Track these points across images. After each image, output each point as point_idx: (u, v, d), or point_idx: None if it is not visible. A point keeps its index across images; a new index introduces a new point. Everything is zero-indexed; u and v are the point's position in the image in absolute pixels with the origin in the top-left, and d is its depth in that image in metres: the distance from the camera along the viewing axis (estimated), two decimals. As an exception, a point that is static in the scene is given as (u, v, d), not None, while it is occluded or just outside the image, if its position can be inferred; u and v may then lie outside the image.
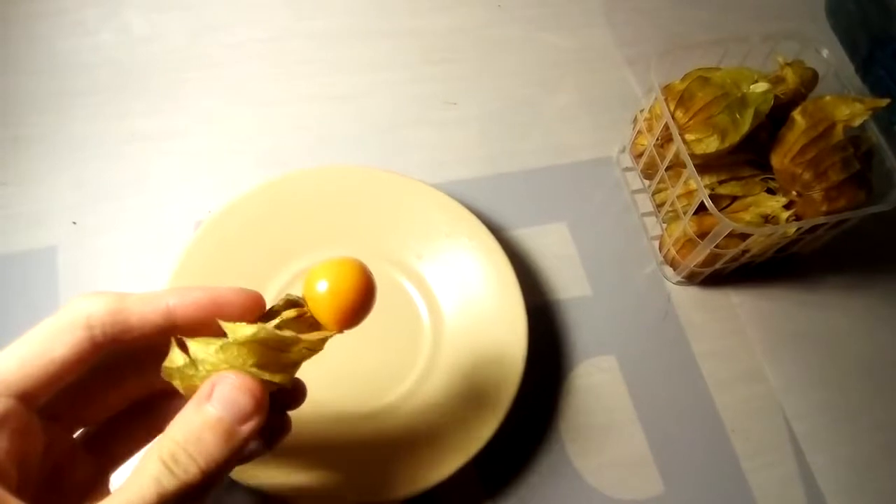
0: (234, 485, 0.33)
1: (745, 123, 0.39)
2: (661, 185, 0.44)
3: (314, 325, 0.26)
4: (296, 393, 0.28)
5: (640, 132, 0.45)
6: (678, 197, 0.41)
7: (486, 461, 0.36)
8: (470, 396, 0.37)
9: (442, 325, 0.40)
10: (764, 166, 0.41)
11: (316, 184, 0.41)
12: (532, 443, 0.39)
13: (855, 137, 0.40)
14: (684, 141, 0.39)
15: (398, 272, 0.41)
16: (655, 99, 0.41)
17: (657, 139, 0.42)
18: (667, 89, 0.41)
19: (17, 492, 0.20)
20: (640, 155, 0.45)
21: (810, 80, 0.42)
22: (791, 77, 0.42)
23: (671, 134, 0.39)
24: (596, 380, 0.41)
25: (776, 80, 0.41)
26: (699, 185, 0.37)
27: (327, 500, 0.34)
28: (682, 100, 0.40)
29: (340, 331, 0.26)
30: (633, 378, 0.41)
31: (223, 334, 0.24)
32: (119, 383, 0.25)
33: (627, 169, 0.48)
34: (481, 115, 0.49)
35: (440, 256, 0.41)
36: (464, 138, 0.48)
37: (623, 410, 0.40)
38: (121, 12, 0.49)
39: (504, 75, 0.51)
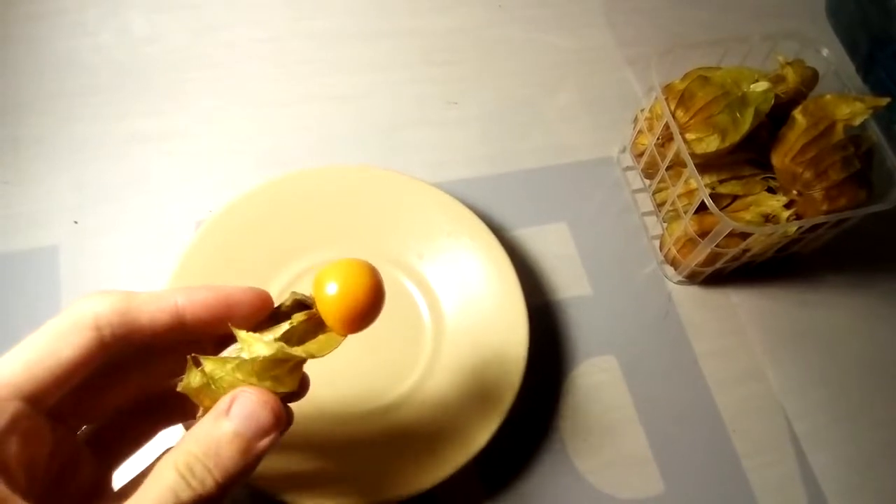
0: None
1: (746, 123, 0.39)
2: (662, 185, 0.44)
3: (321, 324, 0.26)
4: (300, 387, 0.28)
5: (640, 132, 0.45)
6: (679, 196, 0.41)
7: (487, 461, 0.36)
8: (471, 396, 0.37)
9: (443, 324, 0.40)
10: (764, 165, 0.41)
11: (316, 183, 0.41)
12: (533, 442, 0.39)
13: (855, 136, 0.40)
14: (685, 140, 0.39)
15: (399, 272, 0.41)
16: (656, 98, 0.41)
17: (658, 139, 0.42)
18: (667, 89, 0.41)
19: (25, 495, 0.20)
20: (641, 154, 0.45)
21: (811, 80, 0.42)
22: (791, 76, 0.42)
23: (672, 133, 0.39)
24: (596, 379, 0.41)
25: (776, 80, 0.41)
26: (700, 185, 0.37)
27: (327, 500, 0.34)
28: (683, 99, 0.40)
29: (346, 335, 0.26)
30: (634, 378, 0.41)
31: (231, 333, 0.24)
32: (124, 381, 0.25)
33: (628, 168, 0.48)
34: (482, 114, 0.49)
35: (441, 256, 0.41)
36: (464, 138, 0.48)
37: (623, 410, 0.40)
38: (121, 13, 0.50)
39: (504, 75, 0.51)
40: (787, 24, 0.56)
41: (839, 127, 0.39)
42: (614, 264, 0.45)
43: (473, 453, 0.35)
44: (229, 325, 0.25)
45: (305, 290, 0.27)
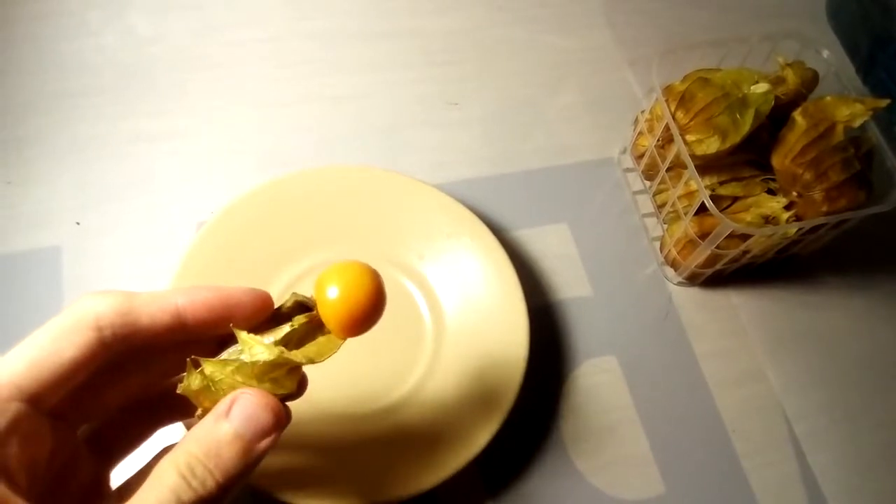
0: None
1: (746, 124, 0.39)
2: (662, 186, 0.44)
3: (321, 325, 0.26)
4: (298, 387, 0.28)
5: (640, 133, 0.45)
6: (679, 198, 0.41)
7: (488, 461, 0.36)
8: (471, 397, 0.37)
9: (443, 325, 0.40)
10: (764, 167, 0.41)
11: (317, 184, 0.42)
12: (533, 443, 0.39)
13: (855, 138, 0.40)
14: (685, 142, 0.39)
15: (400, 273, 0.41)
16: (656, 100, 0.41)
17: (658, 140, 0.42)
18: (667, 90, 0.41)
19: (26, 496, 0.20)
20: (641, 156, 0.45)
21: (811, 81, 0.42)
22: (791, 78, 0.42)
23: (672, 135, 0.39)
24: (597, 380, 0.41)
25: (777, 81, 0.41)
26: (700, 186, 0.37)
27: (328, 500, 0.34)
28: (683, 100, 0.40)
29: (346, 339, 0.26)
30: (634, 378, 0.41)
31: (230, 332, 0.24)
32: (124, 380, 0.25)
33: (628, 170, 0.48)
34: (483, 115, 0.49)
35: (442, 257, 0.41)
36: (465, 139, 0.48)
37: (624, 411, 0.40)
38: (124, 14, 0.50)
39: (505, 76, 0.51)
40: (787, 24, 0.56)
41: (839, 128, 0.39)
42: (615, 265, 0.45)
43: (474, 454, 0.35)
44: (231, 326, 0.25)
45: (306, 291, 0.27)
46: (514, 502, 0.37)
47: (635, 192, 0.47)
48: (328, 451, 0.35)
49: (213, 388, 0.24)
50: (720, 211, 0.37)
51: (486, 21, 0.53)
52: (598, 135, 0.49)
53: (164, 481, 0.21)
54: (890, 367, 0.44)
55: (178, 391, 0.24)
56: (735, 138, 0.38)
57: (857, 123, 0.39)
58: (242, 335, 0.24)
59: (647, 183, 0.47)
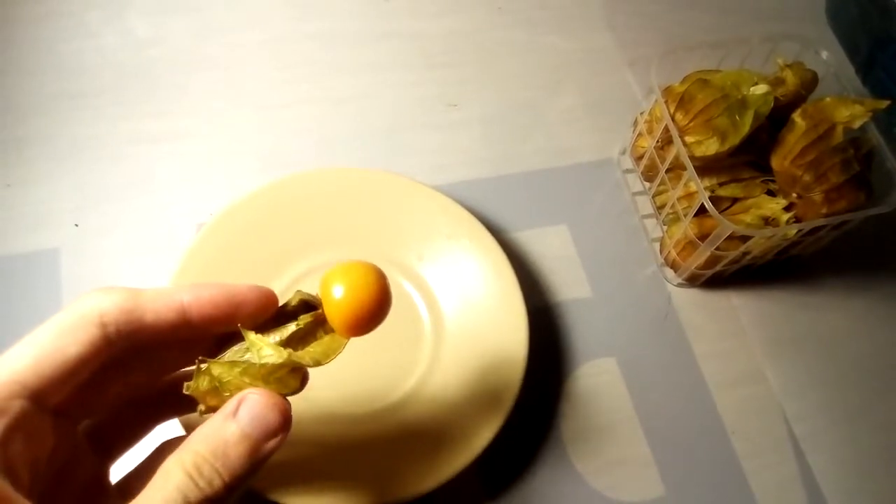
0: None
1: (745, 125, 0.39)
2: (662, 187, 0.44)
3: (325, 324, 0.26)
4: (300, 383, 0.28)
5: (640, 134, 0.45)
6: (678, 199, 0.41)
7: (487, 463, 0.36)
8: (471, 398, 0.37)
9: (443, 326, 0.40)
10: (764, 168, 0.41)
11: (317, 186, 0.42)
12: (533, 445, 0.39)
13: (855, 139, 0.40)
14: (684, 143, 0.39)
15: (399, 274, 0.41)
16: (655, 101, 0.41)
17: (657, 141, 0.42)
18: (667, 91, 0.41)
19: (29, 494, 0.20)
20: (641, 157, 0.45)
21: (810, 82, 0.42)
22: (791, 79, 0.42)
23: (671, 136, 0.39)
24: (596, 381, 0.41)
25: (776, 82, 0.41)
26: (699, 188, 0.37)
27: (326, 503, 0.34)
28: (682, 102, 0.40)
29: (350, 338, 0.26)
30: (634, 380, 0.41)
31: (230, 331, 0.25)
32: (125, 376, 0.25)
33: (628, 171, 0.48)
34: (482, 117, 0.49)
35: (441, 258, 0.41)
36: (465, 140, 0.48)
37: (623, 412, 0.40)
38: (124, 15, 0.50)
39: (505, 78, 0.51)
40: (786, 26, 0.56)
41: (839, 129, 0.39)
42: (614, 266, 0.45)
43: (474, 456, 0.35)
44: (239, 326, 0.25)
45: (307, 291, 0.27)
46: (514, 504, 0.37)
47: (635, 194, 0.47)
48: (327, 453, 0.35)
49: (219, 388, 0.24)
50: (720, 212, 0.37)
51: (487, 23, 0.53)
52: (598, 136, 0.49)
53: (171, 480, 0.21)
54: (890, 368, 0.44)
55: (185, 391, 0.24)
56: (734, 140, 0.38)
57: (856, 125, 0.39)
58: (251, 336, 0.24)
59: (647, 184, 0.47)
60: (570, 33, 0.53)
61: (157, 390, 0.27)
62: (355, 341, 0.26)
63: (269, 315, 0.26)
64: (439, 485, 0.34)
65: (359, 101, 0.48)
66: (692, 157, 0.38)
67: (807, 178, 0.39)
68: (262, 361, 0.24)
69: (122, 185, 0.44)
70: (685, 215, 0.40)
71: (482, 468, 0.37)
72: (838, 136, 0.39)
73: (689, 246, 0.42)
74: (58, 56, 0.47)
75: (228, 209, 0.40)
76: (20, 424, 0.21)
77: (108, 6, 0.50)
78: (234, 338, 0.25)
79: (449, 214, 0.41)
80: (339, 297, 0.25)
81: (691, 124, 0.39)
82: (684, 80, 0.41)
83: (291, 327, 0.25)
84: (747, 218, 0.40)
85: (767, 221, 0.40)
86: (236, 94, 0.48)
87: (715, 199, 0.39)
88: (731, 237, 0.38)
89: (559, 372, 0.41)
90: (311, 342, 0.26)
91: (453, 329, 0.39)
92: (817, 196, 0.39)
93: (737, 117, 0.39)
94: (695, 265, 0.42)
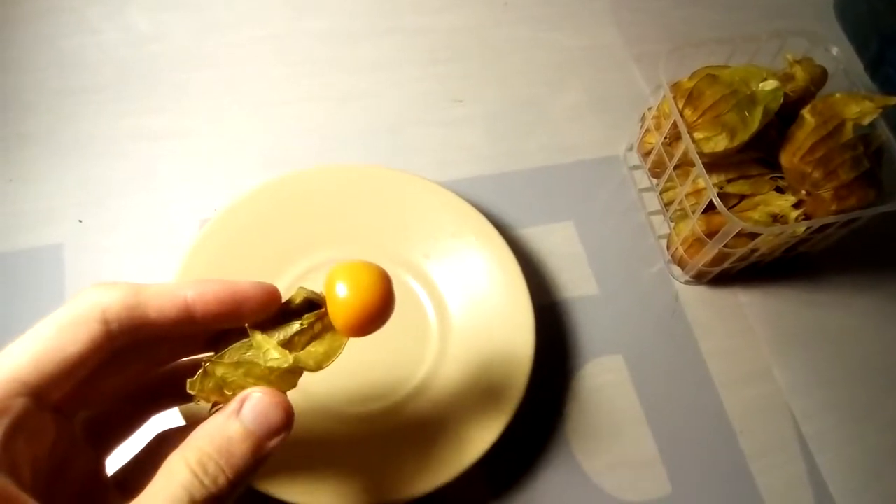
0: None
1: (755, 121, 0.38)
2: (669, 184, 0.44)
3: (329, 323, 0.26)
4: None
5: (647, 130, 0.45)
6: (686, 195, 0.41)
7: (493, 462, 0.36)
8: (477, 396, 0.37)
9: (449, 324, 0.39)
10: (773, 165, 0.41)
11: (321, 182, 0.41)
12: (539, 443, 0.38)
13: (865, 136, 0.40)
14: (693, 139, 0.38)
15: (405, 271, 0.40)
16: (664, 97, 0.41)
17: (665, 137, 0.42)
18: (675, 87, 0.41)
19: (31, 492, 0.20)
20: (648, 153, 0.45)
21: (819, 78, 0.42)
22: (800, 75, 0.41)
23: (679, 132, 0.38)
24: (603, 379, 0.41)
25: (785, 78, 0.41)
26: (708, 184, 0.37)
27: (331, 501, 0.34)
28: (691, 98, 0.39)
29: (352, 337, 0.26)
30: (641, 378, 0.41)
31: (233, 324, 0.24)
32: (124, 369, 0.25)
33: (635, 167, 0.47)
34: (488, 113, 0.49)
35: (447, 255, 0.41)
36: (470, 137, 0.48)
37: (630, 410, 0.40)
38: (125, 11, 0.49)
39: (510, 74, 0.51)
40: (793, 22, 0.55)
41: (848, 126, 0.39)
42: (621, 264, 0.44)
43: (480, 454, 0.34)
44: (247, 326, 0.25)
45: (311, 289, 0.27)
46: (519, 502, 0.37)
47: (641, 190, 0.47)
48: (332, 451, 0.35)
49: (223, 387, 0.24)
50: (728, 209, 0.37)
51: (491, 19, 0.53)
52: (604, 132, 0.49)
53: (176, 478, 0.21)
54: (898, 367, 0.43)
55: (189, 391, 0.24)
56: (743, 136, 0.38)
57: (866, 121, 0.39)
58: (258, 337, 0.25)
59: (654, 180, 0.46)
60: (575, 29, 0.53)
61: (152, 381, 0.27)
62: (362, 339, 0.26)
63: (273, 312, 0.26)
64: (444, 483, 0.34)
65: (362, 98, 0.48)
66: (701, 154, 0.38)
67: (816, 174, 0.38)
68: (268, 365, 0.24)
69: (125, 181, 0.43)
70: (693, 212, 0.40)
71: (488, 467, 0.37)
72: (848, 133, 0.39)
73: (696, 243, 0.41)
74: (59, 52, 0.47)
75: (232, 206, 0.39)
76: (22, 423, 0.21)
77: (109, 2, 0.49)
78: (234, 330, 0.25)
79: (454, 211, 0.41)
80: (343, 297, 0.25)
81: (700, 120, 0.39)
82: (693, 75, 0.41)
83: (295, 326, 0.25)
84: (756, 215, 0.40)
85: (776, 218, 0.40)
86: (239, 90, 0.47)
87: (723, 196, 0.39)
88: (739, 234, 0.38)
89: (565, 370, 0.41)
90: (313, 341, 0.26)
91: (459, 326, 0.39)
92: (826, 193, 0.38)
93: (746, 113, 0.38)
94: (702, 262, 0.41)
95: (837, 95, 0.40)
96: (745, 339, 0.43)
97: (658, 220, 0.46)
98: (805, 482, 0.39)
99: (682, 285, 0.44)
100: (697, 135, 0.39)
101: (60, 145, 0.44)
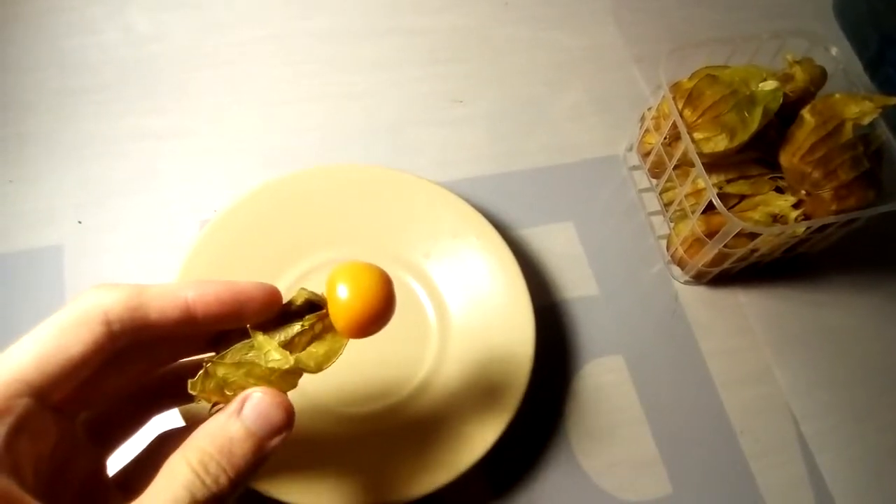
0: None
1: (754, 122, 0.38)
2: (669, 184, 0.44)
3: (329, 324, 0.26)
4: None
5: (647, 131, 0.45)
6: (686, 196, 0.41)
7: (494, 461, 0.36)
8: (477, 396, 0.37)
9: (449, 324, 0.39)
10: (772, 165, 0.41)
11: (322, 182, 0.41)
12: (539, 443, 0.38)
13: (864, 136, 0.40)
14: (693, 139, 0.38)
15: (405, 271, 0.40)
16: (663, 97, 0.41)
17: (665, 138, 0.42)
18: (675, 87, 0.41)
19: (34, 493, 0.20)
20: (648, 154, 0.45)
21: (819, 78, 0.42)
22: (800, 75, 0.41)
23: (679, 132, 0.39)
24: (603, 379, 0.41)
25: (785, 78, 0.41)
26: (708, 184, 0.37)
27: (331, 502, 0.34)
28: (691, 98, 0.39)
29: (352, 338, 0.26)
30: (641, 378, 0.41)
31: (233, 325, 0.25)
32: (126, 370, 0.25)
33: (634, 168, 0.47)
34: (488, 113, 0.49)
35: (447, 255, 0.41)
36: (470, 137, 0.48)
37: (630, 410, 0.40)
38: (126, 11, 0.49)
39: (511, 74, 0.51)
40: (793, 22, 0.55)
41: (848, 126, 0.39)
42: (621, 264, 0.44)
43: (481, 454, 0.34)
44: (249, 328, 0.25)
45: (312, 289, 0.27)
46: (520, 502, 0.37)
47: (641, 190, 0.47)
48: (332, 451, 0.35)
49: (224, 388, 0.24)
50: (728, 209, 0.37)
51: (492, 19, 0.53)
52: (603, 133, 0.49)
53: (178, 478, 0.21)
54: (898, 367, 0.43)
55: (191, 391, 0.24)
56: (743, 136, 0.38)
57: (866, 121, 0.39)
58: (259, 338, 0.25)
59: (654, 181, 0.46)
60: (576, 29, 0.53)
61: (154, 381, 0.27)
62: (361, 342, 0.26)
63: (274, 313, 0.26)
64: (446, 483, 0.34)
65: (363, 98, 0.48)
66: (700, 154, 0.38)
67: (816, 174, 0.38)
68: (269, 365, 0.24)
69: (125, 182, 0.43)
70: (693, 212, 0.40)
71: (489, 467, 0.37)
72: (847, 133, 0.39)
73: (696, 243, 0.41)
74: (60, 52, 0.47)
75: (232, 206, 0.39)
76: (25, 423, 0.21)
77: (109, 2, 0.49)
78: (235, 331, 0.25)
79: (455, 211, 0.41)
80: (344, 298, 0.25)
81: (700, 120, 0.39)
82: (693, 76, 0.41)
83: (296, 327, 0.25)
84: (755, 215, 0.40)
85: (776, 219, 0.40)
86: (239, 90, 0.47)
87: (723, 196, 0.39)
88: (738, 234, 0.38)
89: (566, 370, 0.41)
90: (314, 342, 0.26)
91: (459, 327, 0.39)
92: (826, 193, 0.38)
93: (745, 114, 0.38)
94: (702, 262, 0.41)
95: (837, 95, 0.40)
96: (745, 339, 0.43)
97: (658, 220, 0.46)
98: (805, 482, 0.39)
99: (682, 285, 0.44)
100: (697, 135, 0.39)
101: (60, 145, 0.44)
